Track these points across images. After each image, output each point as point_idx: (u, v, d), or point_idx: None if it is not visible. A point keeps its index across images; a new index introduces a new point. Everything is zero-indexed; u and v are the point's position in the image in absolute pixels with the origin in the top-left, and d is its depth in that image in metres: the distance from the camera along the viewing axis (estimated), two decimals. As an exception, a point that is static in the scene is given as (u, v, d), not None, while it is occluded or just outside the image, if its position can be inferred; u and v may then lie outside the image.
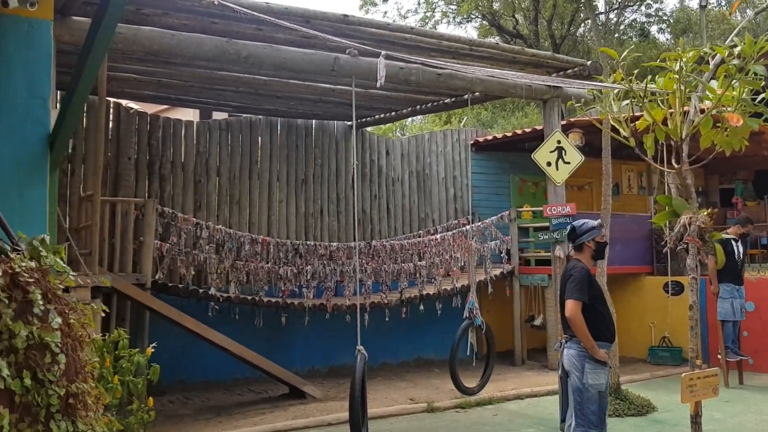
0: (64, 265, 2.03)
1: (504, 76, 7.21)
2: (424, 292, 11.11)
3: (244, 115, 11.28)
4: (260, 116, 11.28)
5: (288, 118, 11.53)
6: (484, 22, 22.12)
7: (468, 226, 11.92)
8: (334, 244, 10.85)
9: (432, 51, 7.95)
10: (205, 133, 10.78)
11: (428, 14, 23.40)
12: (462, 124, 18.33)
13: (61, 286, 1.93)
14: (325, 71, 7.62)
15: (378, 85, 6.38)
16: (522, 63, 8.33)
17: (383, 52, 6.30)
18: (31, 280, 1.78)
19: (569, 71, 8.61)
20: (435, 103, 10.44)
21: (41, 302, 1.79)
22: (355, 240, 11.49)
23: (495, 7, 21.42)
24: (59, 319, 1.85)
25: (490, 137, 12.96)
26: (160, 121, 10.48)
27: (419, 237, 11.96)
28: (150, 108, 12.29)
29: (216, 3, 6.07)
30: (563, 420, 6.63)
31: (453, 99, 10.05)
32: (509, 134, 12.74)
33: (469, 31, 24.23)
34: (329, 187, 11.75)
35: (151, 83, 9.37)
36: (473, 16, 22.29)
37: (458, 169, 13.04)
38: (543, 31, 21.39)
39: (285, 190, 11.34)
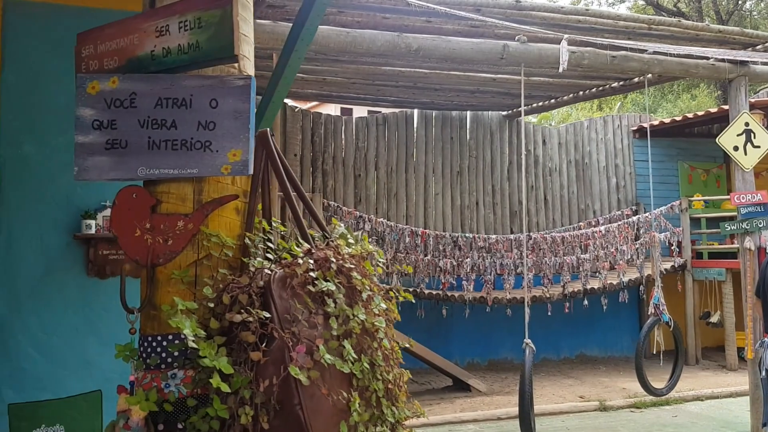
0: (378, 250, 2.06)
1: (704, 54, 6.72)
2: (588, 287, 10.70)
3: (383, 111, 11.38)
4: (415, 109, 11.34)
5: (443, 110, 11.50)
6: (639, 1, 20.97)
7: (635, 217, 11.34)
8: (493, 236, 10.69)
9: (606, 32, 7.58)
10: (364, 129, 10.99)
11: (579, -5, 22.50)
12: (615, 110, 17.48)
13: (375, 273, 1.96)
14: (494, 60, 7.47)
15: (560, 70, 6.16)
16: (706, 40, 7.74)
17: (566, 36, 6.07)
18: (352, 266, 1.82)
19: (758, 47, 7.89)
20: (600, 88, 9.98)
21: (368, 287, 1.82)
22: (515, 232, 11.28)
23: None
24: (383, 305, 1.88)
25: (656, 122, 12.22)
26: (322, 118, 10.80)
27: (580, 229, 11.53)
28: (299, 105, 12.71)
29: (392, -2, 6.11)
30: (765, 424, 6.14)
31: (621, 83, 9.56)
32: (679, 118, 11.95)
33: (622, 11, 22.96)
34: (484, 178, 11.61)
35: (316, 81, 9.65)
36: (627, -5, 21.25)
37: (620, 157, 12.43)
38: (705, 7, 19.93)
39: (441, 183, 11.33)
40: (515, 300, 10.11)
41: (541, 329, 10.40)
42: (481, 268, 10.38)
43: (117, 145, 1.78)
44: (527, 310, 6.25)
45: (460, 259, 10.31)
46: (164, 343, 1.69)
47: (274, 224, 2.04)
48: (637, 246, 11.14)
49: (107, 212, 5.18)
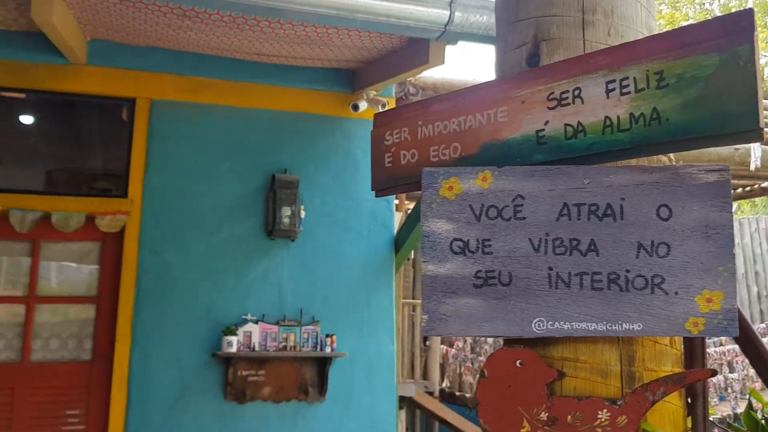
0: None
1: None
2: (738, 411, 9.34)
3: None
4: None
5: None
6: None
7: (789, 331, 10.02)
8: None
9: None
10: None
11: None
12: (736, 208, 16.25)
13: None
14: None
15: (752, 168, 5.36)
16: None
17: (757, 129, 5.29)
18: None
19: None
20: (748, 188, 9.02)
21: None
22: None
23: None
24: None
25: (801, 225, 11.07)
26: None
27: (721, 344, 10.27)
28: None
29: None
30: None
31: (776, 182, 8.59)
32: (831, 221, 10.77)
33: None
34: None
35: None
36: None
37: (760, 264, 11.24)
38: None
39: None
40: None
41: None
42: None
43: (494, 280, 1.13)
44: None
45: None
46: None
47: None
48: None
49: (248, 327, 4.59)
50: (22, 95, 5.09)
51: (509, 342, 1.17)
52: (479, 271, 1.14)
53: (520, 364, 1.11)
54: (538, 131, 1.18)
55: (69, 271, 4.56)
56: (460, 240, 1.16)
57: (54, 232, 4.38)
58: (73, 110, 5.59)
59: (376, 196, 1.39)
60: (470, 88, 1.26)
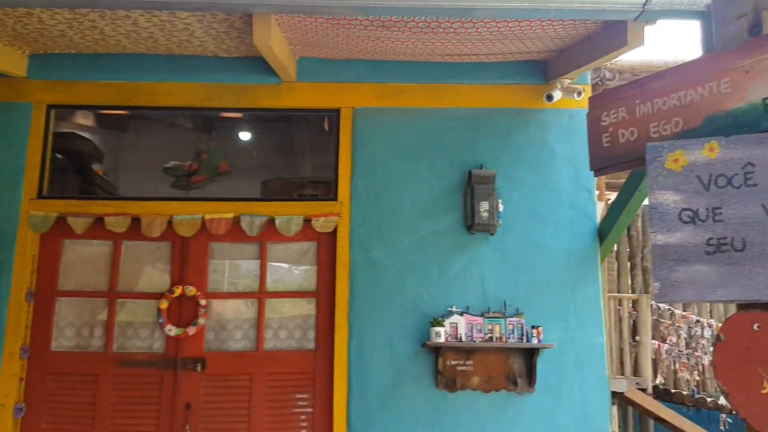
0: None
1: None
2: None
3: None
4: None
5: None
6: None
7: None
8: None
9: None
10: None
11: None
12: None
13: None
14: None
15: None
16: None
17: None
18: None
19: None
20: None
21: None
22: None
23: None
24: None
25: None
26: (639, 211, 9.73)
27: None
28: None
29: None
30: None
31: None
32: None
33: None
34: None
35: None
36: None
37: None
38: None
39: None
40: None
41: None
42: None
43: (726, 246, 1.16)
44: None
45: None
46: None
47: None
48: None
49: (454, 318, 4.76)
50: (240, 114, 5.72)
51: (744, 306, 1.17)
52: (711, 238, 1.16)
53: (757, 327, 1.11)
54: (765, 99, 1.17)
55: (291, 268, 5.06)
56: (689, 209, 1.19)
57: (277, 234, 4.88)
58: (287, 124, 6.17)
59: (595, 176, 1.45)
60: (688, 63, 1.28)
